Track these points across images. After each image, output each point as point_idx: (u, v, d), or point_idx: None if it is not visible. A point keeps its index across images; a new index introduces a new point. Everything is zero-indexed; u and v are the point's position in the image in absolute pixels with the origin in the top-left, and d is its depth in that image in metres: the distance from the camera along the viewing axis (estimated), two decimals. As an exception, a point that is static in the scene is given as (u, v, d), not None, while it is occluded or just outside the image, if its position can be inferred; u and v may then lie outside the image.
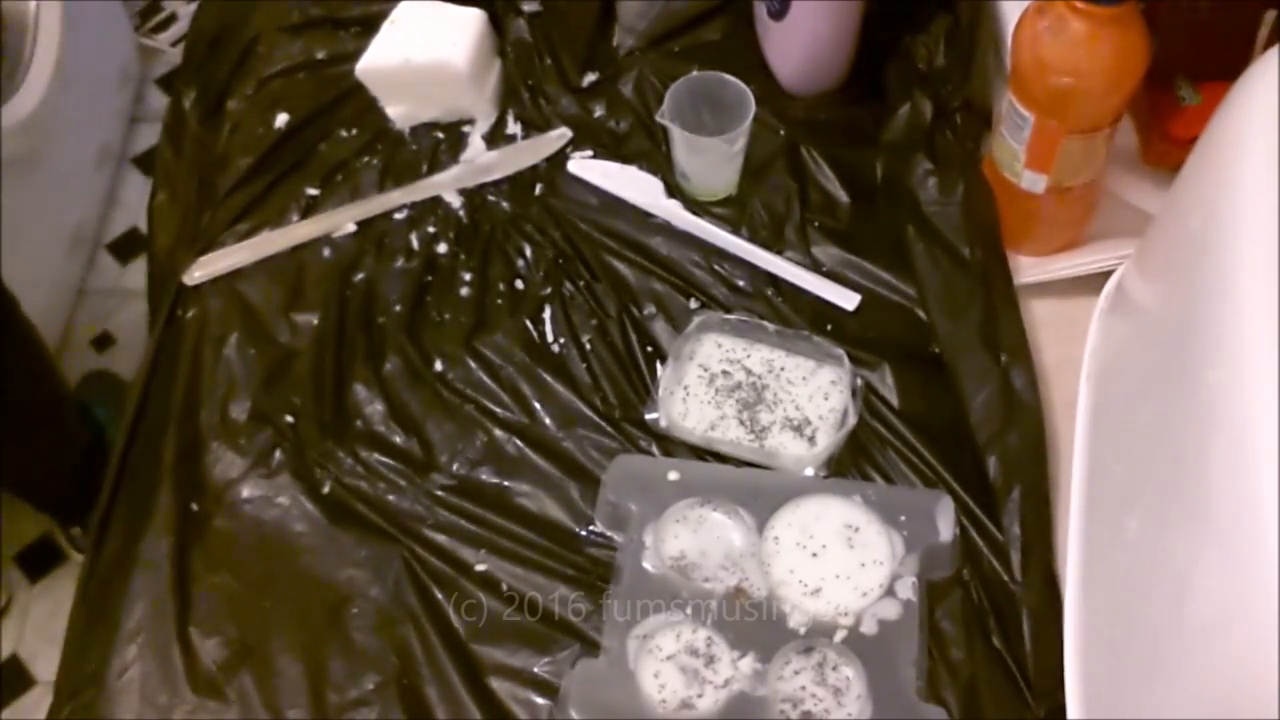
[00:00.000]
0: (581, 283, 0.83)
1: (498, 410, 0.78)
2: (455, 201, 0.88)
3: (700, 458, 0.75)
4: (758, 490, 0.71)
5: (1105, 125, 0.72)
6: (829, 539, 0.69)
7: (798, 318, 0.80)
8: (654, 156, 0.89)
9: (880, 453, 0.74)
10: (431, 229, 0.87)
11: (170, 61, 1.79)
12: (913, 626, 0.66)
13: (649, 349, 0.80)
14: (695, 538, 0.70)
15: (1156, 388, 0.59)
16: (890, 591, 0.67)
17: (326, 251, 0.87)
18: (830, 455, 0.73)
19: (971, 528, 0.70)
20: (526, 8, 0.97)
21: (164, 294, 0.86)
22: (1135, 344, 0.66)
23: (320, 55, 0.98)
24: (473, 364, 0.80)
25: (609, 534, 0.72)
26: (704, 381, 0.77)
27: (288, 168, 0.91)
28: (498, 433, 0.77)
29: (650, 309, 0.82)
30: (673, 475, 0.72)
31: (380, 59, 0.90)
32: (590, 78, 0.95)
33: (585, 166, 0.89)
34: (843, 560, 0.68)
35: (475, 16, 0.91)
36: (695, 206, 0.86)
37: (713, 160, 0.84)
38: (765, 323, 0.79)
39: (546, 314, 0.82)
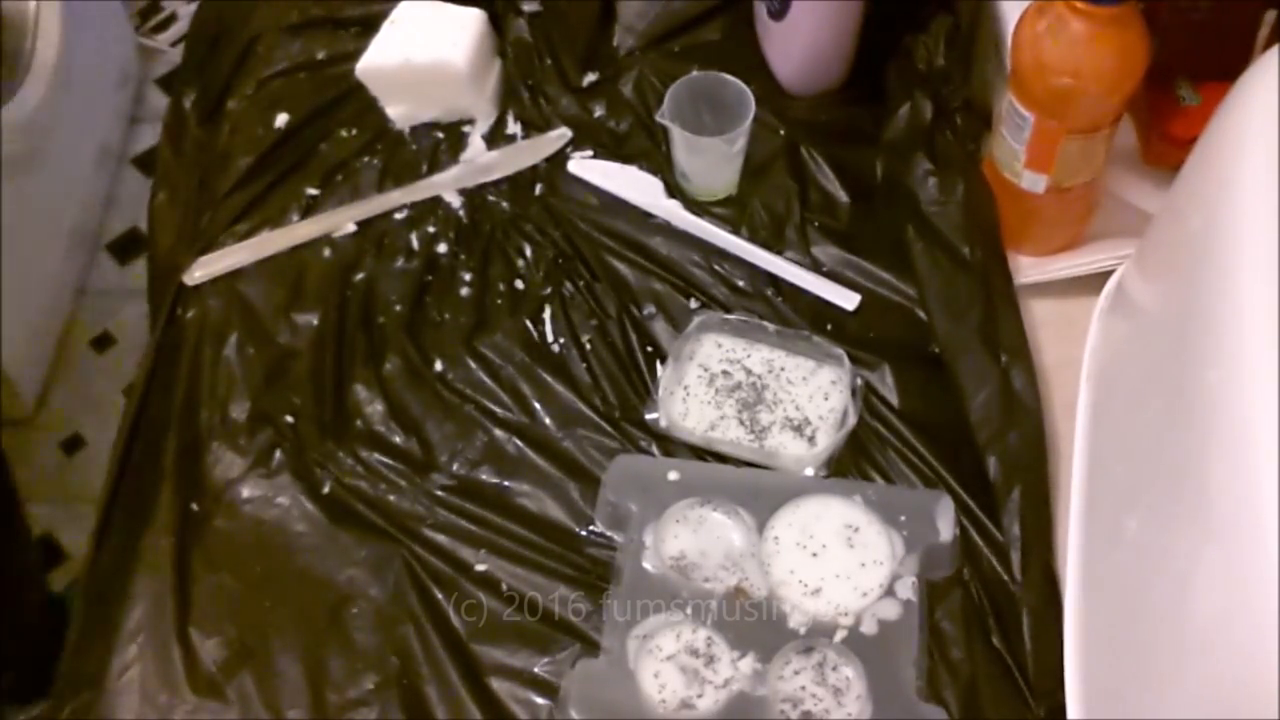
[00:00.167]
0: (581, 283, 0.83)
1: (498, 410, 0.78)
2: (455, 201, 0.88)
3: (700, 458, 0.75)
4: (758, 490, 0.71)
5: (1105, 125, 0.72)
6: (829, 539, 0.69)
7: (798, 318, 0.80)
8: (654, 156, 0.89)
9: (880, 453, 0.74)
10: (431, 229, 0.87)
11: (170, 61, 1.79)
12: (913, 626, 0.66)
13: (649, 349, 0.80)
14: (695, 538, 0.70)
15: (1156, 388, 0.59)
16: (890, 591, 0.67)
17: (326, 251, 0.86)
18: (830, 455, 0.73)
19: (971, 528, 0.70)
20: (526, 8, 0.97)
21: (164, 294, 0.86)
22: (1135, 344, 0.66)
23: (320, 55, 0.98)
24: (473, 364, 0.80)
25: (609, 534, 0.72)
26: (704, 381, 0.77)
27: (288, 168, 0.91)
28: (498, 433, 0.77)
29: (650, 309, 0.82)
30: (673, 475, 0.72)
31: (380, 59, 0.90)
32: (590, 78, 0.95)
33: (585, 166, 0.89)
34: (843, 560, 0.68)
35: (475, 16, 0.91)
36: (695, 206, 0.86)
37: (713, 160, 0.84)
38: (765, 323, 0.79)
39: (546, 314, 0.82)
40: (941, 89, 0.86)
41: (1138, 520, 0.58)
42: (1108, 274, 0.77)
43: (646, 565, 0.69)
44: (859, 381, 0.76)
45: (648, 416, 0.76)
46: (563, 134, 0.91)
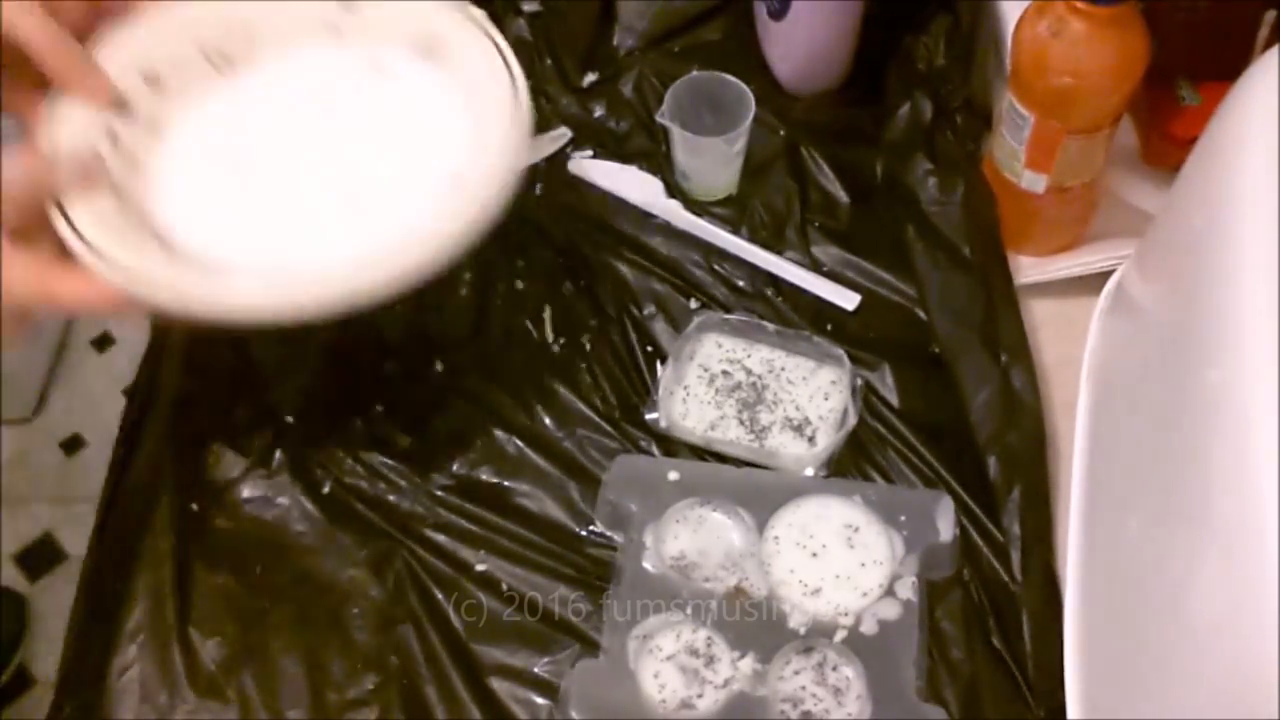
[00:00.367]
0: (581, 283, 0.83)
1: (498, 410, 0.78)
2: (455, 201, 0.88)
3: (700, 458, 0.75)
4: (758, 490, 0.71)
5: (1105, 125, 0.72)
6: (829, 539, 0.69)
7: (798, 318, 0.80)
8: (654, 156, 0.89)
9: (880, 453, 0.74)
10: (431, 229, 0.87)
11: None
12: (913, 626, 0.66)
13: (649, 349, 0.80)
14: (695, 538, 0.70)
15: (1156, 388, 0.59)
16: (890, 591, 0.67)
17: (326, 251, 0.86)
18: (830, 455, 0.73)
19: (971, 528, 0.70)
20: (526, 8, 0.97)
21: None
22: (1135, 344, 0.66)
23: (320, 55, 0.97)
24: (472, 364, 0.80)
25: (609, 534, 0.72)
26: (704, 381, 0.77)
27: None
28: (498, 433, 0.77)
29: (650, 309, 0.82)
30: (673, 475, 0.72)
31: (380, 59, 0.90)
32: (590, 78, 0.95)
33: (585, 166, 0.89)
34: (843, 560, 0.69)
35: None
36: (695, 206, 0.86)
37: (713, 160, 0.84)
38: (765, 323, 0.79)
39: (546, 314, 0.82)
40: (941, 89, 0.86)
41: (1138, 520, 0.58)
42: (1108, 274, 0.77)
43: (646, 565, 0.69)
44: (859, 381, 0.76)
45: (648, 416, 0.76)
46: (563, 133, 0.91)
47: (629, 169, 0.88)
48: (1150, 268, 0.66)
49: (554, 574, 0.71)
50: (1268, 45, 0.73)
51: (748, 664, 0.66)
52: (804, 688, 0.65)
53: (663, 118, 0.83)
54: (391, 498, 0.75)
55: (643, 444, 0.76)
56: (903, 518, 0.69)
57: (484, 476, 0.75)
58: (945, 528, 0.69)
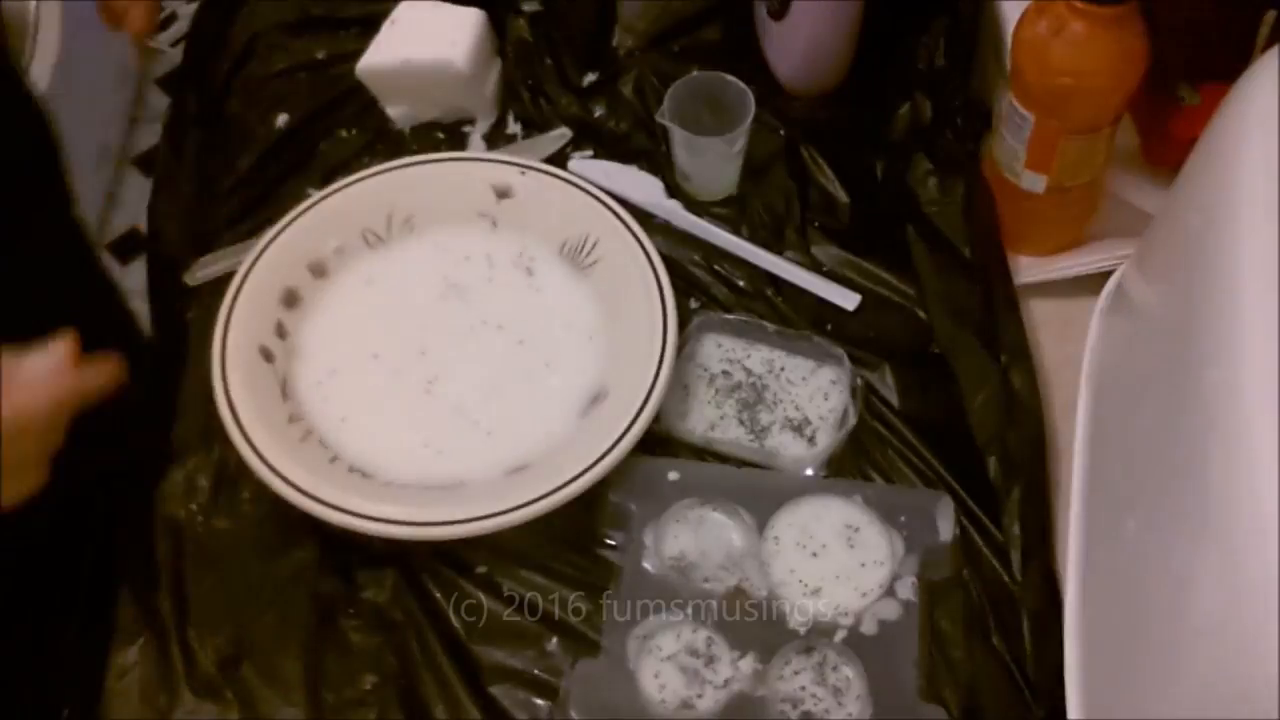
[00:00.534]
0: (581, 283, 0.83)
1: (498, 410, 0.78)
2: (455, 201, 0.88)
3: (700, 458, 0.75)
4: (758, 490, 0.71)
5: (1105, 125, 0.72)
6: (829, 539, 0.69)
7: (798, 318, 0.80)
8: (654, 156, 0.89)
9: (880, 453, 0.74)
10: (431, 229, 0.87)
11: (170, 61, 1.79)
12: (913, 626, 0.66)
13: (649, 349, 0.80)
14: (695, 538, 0.70)
15: (1156, 387, 0.59)
16: (890, 591, 0.67)
17: (326, 251, 0.86)
18: (830, 455, 0.73)
19: (971, 528, 0.70)
20: (526, 7, 0.97)
21: (165, 294, 0.85)
22: (1135, 344, 0.66)
23: (320, 55, 0.98)
24: (473, 364, 0.80)
25: (609, 534, 0.72)
26: (704, 381, 0.77)
27: (288, 168, 0.91)
28: (498, 433, 0.77)
29: (650, 309, 0.81)
30: (673, 475, 0.72)
31: (380, 59, 0.90)
32: (590, 78, 0.95)
33: (585, 166, 0.89)
34: (843, 560, 0.68)
35: (475, 16, 0.91)
36: (695, 206, 0.86)
37: (713, 160, 0.84)
38: (765, 323, 0.79)
39: (546, 314, 0.82)
40: (941, 89, 0.86)
41: (1138, 520, 0.58)
42: (1108, 274, 0.77)
43: (646, 565, 0.69)
44: (859, 381, 0.76)
45: (648, 416, 0.76)
46: (563, 134, 0.91)
47: (629, 169, 0.88)
48: (1150, 268, 0.66)
49: (554, 574, 0.71)
50: (1268, 45, 0.73)
51: (748, 664, 0.65)
52: (804, 688, 0.65)
53: (663, 118, 0.83)
54: (391, 498, 0.75)
55: (643, 444, 0.76)
56: (903, 518, 0.69)
57: (484, 476, 0.75)
58: (945, 528, 0.69)
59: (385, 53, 0.90)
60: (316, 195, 0.81)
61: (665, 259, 0.83)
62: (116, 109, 1.69)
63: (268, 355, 0.75)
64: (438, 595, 0.70)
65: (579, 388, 0.75)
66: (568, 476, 0.67)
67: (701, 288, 0.82)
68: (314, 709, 0.67)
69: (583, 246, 0.79)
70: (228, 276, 0.78)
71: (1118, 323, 0.72)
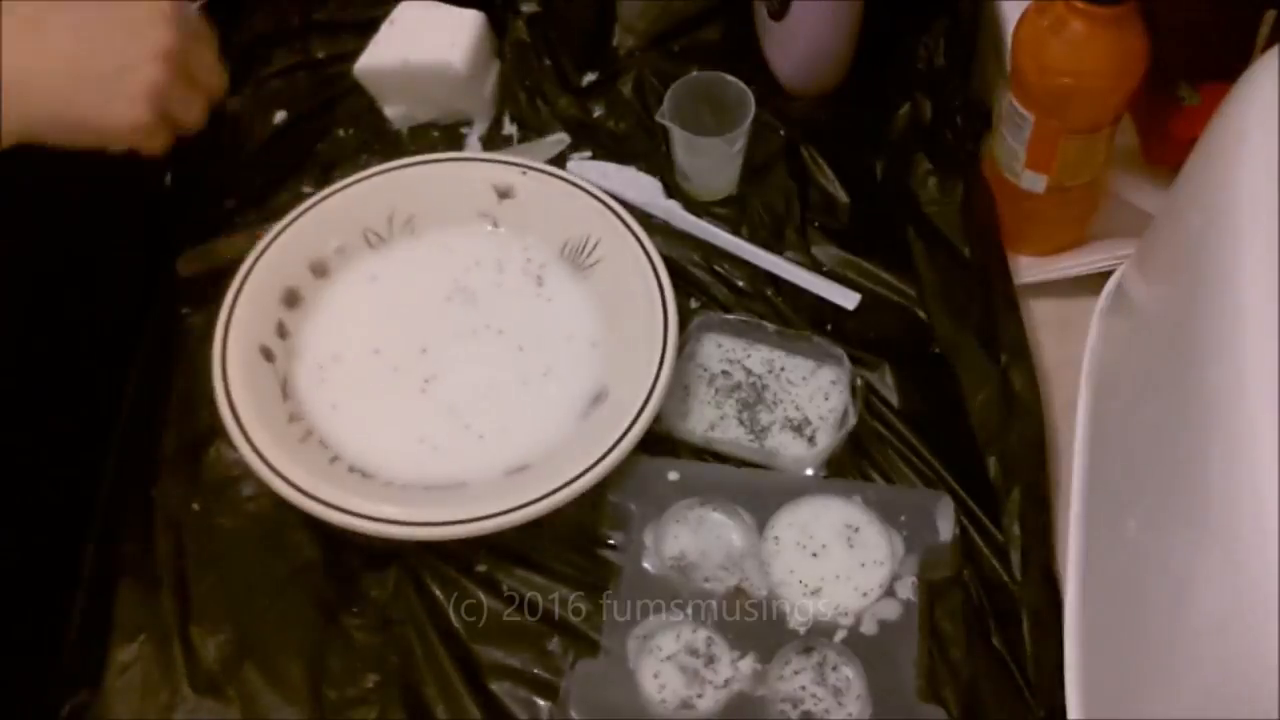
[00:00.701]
0: (581, 283, 0.83)
1: (498, 410, 0.78)
2: (455, 201, 0.88)
3: (700, 458, 0.75)
4: (758, 490, 0.71)
5: (1105, 125, 0.72)
6: (829, 539, 0.69)
7: (798, 318, 0.80)
8: (654, 156, 0.89)
9: (880, 453, 0.74)
10: (431, 229, 0.87)
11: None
12: (913, 626, 0.66)
13: (649, 349, 0.80)
14: (695, 538, 0.70)
15: (1156, 387, 0.59)
16: (890, 591, 0.67)
17: (326, 251, 0.86)
18: (830, 455, 0.73)
19: (971, 528, 0.70)
20: (525, 8, 0.97)
21: (164, 292, 0.85)
22: (1135, 344, 0.66)
23: (320, 55, 0.98)
24: (473, 364, 0.80)
25: (609, 534, 0.72)
26: (704, 381, 0.77)
27: (285, 167, 0.91)
28: (498, 432, 0.77)
29: (650, 309, 0.81)
30: (673, 475, 0.72)
31: (379, 59, 0.90)
32: (590, 78, 0.95)
33: (584, 167, 0.89)
34: (843, 560, 0.68)
35: (474, 17, 0.91)
36: (695, 206, 0.86)
37: (713, 160, 0.84)
38: (765, 323, 0.79)
39: (546, 314, 0.82)
40: (941, 89, 0.86)
41: (1138, 520, 0.58)
42: (1108, 274, 0.77)
43: (646, 565, 0.69)
44: (859, 381, 0.76)
45: (648, 416, 0.76)
46: (560, 139, 0.90)
47: (628, 170, 0.88)
48: (1150, 268, 0.66)
49: (554, 574, 0.71)
50: (1268, 45, 0.73)
51: (748, 664, 0.66)
52: (804, 688, 0.65)
53: (663, 118, 0.83)
54: (391, 497, 0.75)
55: (643, 444, 0.76)
56: (902, 518, 0.69)
57: (484, 476, 0.75)
58: (945, 528, 0.69)
59: (384, 53, 0.90)
60: (317, 195, 0.81)
61: (665, 259, 0.83)
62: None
63: (268, 355, 0.75)
64: (439, 594, 0.70)
65: (577, 394, 0.75)
66: (568, 477, 0.67)
67: (701, 288, 0.82)
68: (315, 707, 0.67)
69: (584, 247, 0.79)
70: (221, 271, 0.78)
71: (1118, 323, 0.72)
